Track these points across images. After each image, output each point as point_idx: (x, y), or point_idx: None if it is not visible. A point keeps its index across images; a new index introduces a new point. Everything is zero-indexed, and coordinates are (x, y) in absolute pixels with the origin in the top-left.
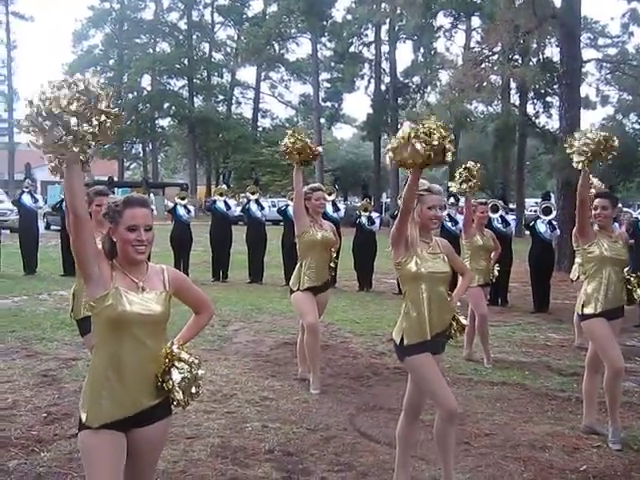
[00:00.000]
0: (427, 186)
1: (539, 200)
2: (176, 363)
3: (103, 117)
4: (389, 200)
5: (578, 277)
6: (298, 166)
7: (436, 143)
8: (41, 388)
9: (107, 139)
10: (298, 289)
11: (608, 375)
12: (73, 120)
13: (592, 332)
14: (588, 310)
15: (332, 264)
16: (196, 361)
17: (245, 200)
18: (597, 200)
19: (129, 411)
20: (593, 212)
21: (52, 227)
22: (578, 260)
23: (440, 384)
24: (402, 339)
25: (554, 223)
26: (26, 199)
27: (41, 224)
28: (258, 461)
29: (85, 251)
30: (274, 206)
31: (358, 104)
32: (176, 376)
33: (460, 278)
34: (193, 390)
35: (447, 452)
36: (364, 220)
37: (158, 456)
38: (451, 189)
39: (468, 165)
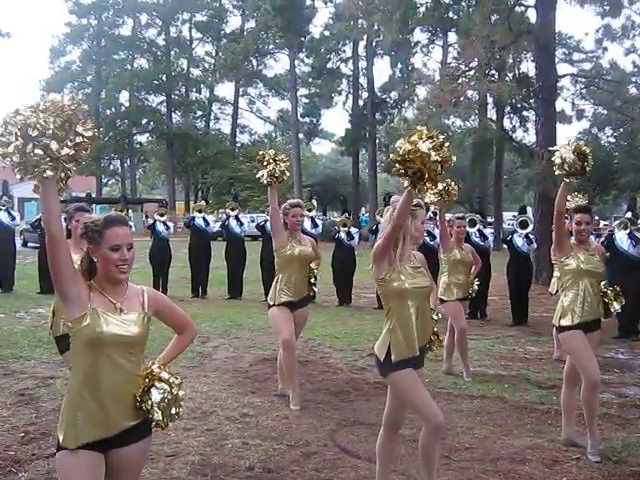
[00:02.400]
0: (417, 201)
1: (516, 214)
2: (156, 383)
3: (79, 138)
4: (367, 215)
5: (557, 290)
6: (273, 186)
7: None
8: (18, 407)
9: (82, 159)
10: (275, 304)
11: (585, 387)
12: (53, 144)
13: (569, 344)
14: (565, 322)
15: (312, 279)
16: (177, 381)
17: (224, 216)
18: (580, 215)
19: (107, 432)
20: (576, 227)
21: (29, 244)
22: (556, 274)
23: (425, 399)
24: (387, 355)
25: (531, 236)
26: (3, 216)
27: (18, 241)
28: (238, 478)
29: (61, 270)
30: (253, 221)
31: (336, 119)
32: (155, 396)
33: None
34: (173, 411)
35: (431, 466)
36: (343, 235)
37: (138, 476)
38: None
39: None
